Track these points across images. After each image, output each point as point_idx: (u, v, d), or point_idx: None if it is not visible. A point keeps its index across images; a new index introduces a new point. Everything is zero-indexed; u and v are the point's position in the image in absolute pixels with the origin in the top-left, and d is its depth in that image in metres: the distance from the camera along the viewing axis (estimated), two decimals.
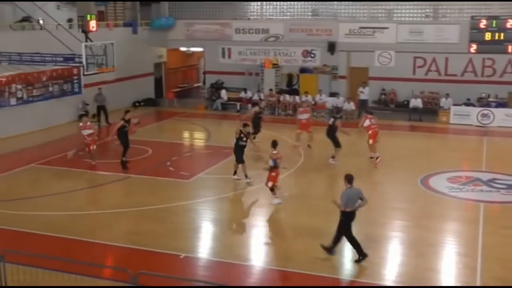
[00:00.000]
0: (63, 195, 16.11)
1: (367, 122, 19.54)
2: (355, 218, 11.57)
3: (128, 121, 18.37)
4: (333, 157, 19.21)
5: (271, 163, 14.81)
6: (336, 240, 11.65)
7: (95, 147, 18.67)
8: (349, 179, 11.57)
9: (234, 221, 13.96)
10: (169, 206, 14.99)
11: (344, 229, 11.50)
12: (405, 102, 27.77)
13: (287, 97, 28.41)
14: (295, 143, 20.86)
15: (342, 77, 29.22)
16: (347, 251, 12.40)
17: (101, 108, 25.75)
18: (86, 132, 18.44)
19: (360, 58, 28.61)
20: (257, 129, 20.97)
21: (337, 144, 19.35)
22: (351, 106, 27.00)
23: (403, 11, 29.01)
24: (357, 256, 11.53)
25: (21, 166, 18.71)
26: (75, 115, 25.62)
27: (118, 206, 14.89)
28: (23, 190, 16.40)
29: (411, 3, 28.57)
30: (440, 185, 16.61)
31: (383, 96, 28.60)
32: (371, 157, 19.12)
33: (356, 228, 13.43)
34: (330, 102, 27.78)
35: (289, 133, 23.03)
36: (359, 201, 11.46)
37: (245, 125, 17.21)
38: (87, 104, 25.85)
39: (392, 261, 11.95)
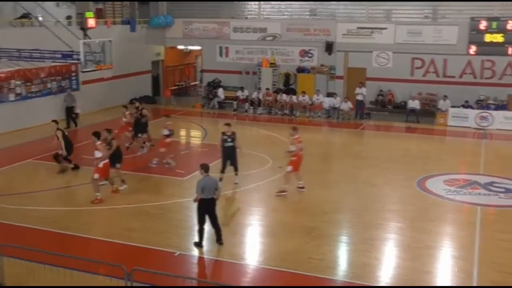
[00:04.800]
0: (60, 190, 16.16)
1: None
2: (215, 206, 12.09)
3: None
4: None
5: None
6: (200, 231, 12.13)
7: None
8: (205, 168, 12.14)
9: (229, 220, 13.92)
10: (165, 204, 14.99)
11: (197, 215, 12.12)
12: (403, 103, 27.81)
13: (284, 96, 28.40)
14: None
15: (340, 77, 29.22)
16: (342, 253, 12.44)
17: (70, 110, 24.98)
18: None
19: (357, 59, 28.62)
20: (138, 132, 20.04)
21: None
22: (348, 106, 27.01)
23: (402, 11, 29.00)
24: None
25: (19, 161, 18.72)
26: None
27: (114, 203, 14.89)
28: (20, 185, 16.45)
29: (410, 3, 28.52)
30: (437, 188, 16.59)
31: (380, 97, 28.62)
32: None
33: (351, 230, 13.54)
34: (327, 102, 27.79)
35: (285, 132, 23.06)
36: (216, 191, 12.08)
37: (108, 130, 16.06)
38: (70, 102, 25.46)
39: (387, 263, 11.93)
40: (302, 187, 16.00)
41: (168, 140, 18.35)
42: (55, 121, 17.80)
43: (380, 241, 12.84)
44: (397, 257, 12.17)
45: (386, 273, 11.38)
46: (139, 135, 20.00)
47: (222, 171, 16.45)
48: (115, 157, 15.86)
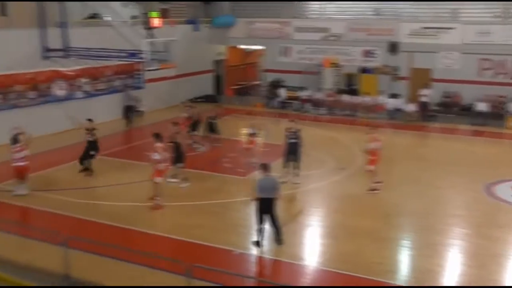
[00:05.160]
0: (125, 186, 16.57)
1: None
2: (275, 205, 12.04)
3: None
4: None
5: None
6: (259, 230, 12.15)
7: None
8: (265, 167, 12.34)
9: (289, 220, 13.84)
10: (226, 202, 15.12)
11: (256, 214, 12.19)
12: (470, 106, 26.84)
13: (346, 97, 28.04)
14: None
15: (404, 78, 28.57)
16: (403, 257, 12.15)
17: (129, 109, 25.25)
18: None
19: (422, 59, 27.85)
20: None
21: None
22: (412, 107, 26.39)
23: (470, 11, 28.01)
24: (276, 237, 12.29)
25: None
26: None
27: (176, 200, 15.14)
28: (86, 180, 17.03)
29: (479, 2, 27.53)
30: (505, 193, 15.92)
31: (446, 98, 27.75)
32: None
33: (413, 234, 13.21)
34: (391, 103, 27.26)
35: (346, 133, 22.86)
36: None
37: (175, 123, 17.19)
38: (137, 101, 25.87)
39: (451, 270, 11.57)
40: (376, 189, 15.84)
41: (253, 139, 18.44)
42: (90, 120, 18.06)
43: (443, 247, 12.45)
44: (462, 264, 11.78)
45: (450, 280, 11.03)
46: (195, 132, 20.62)
47: (284, 166, 16.45)
48: (178, 156, 16.12)
